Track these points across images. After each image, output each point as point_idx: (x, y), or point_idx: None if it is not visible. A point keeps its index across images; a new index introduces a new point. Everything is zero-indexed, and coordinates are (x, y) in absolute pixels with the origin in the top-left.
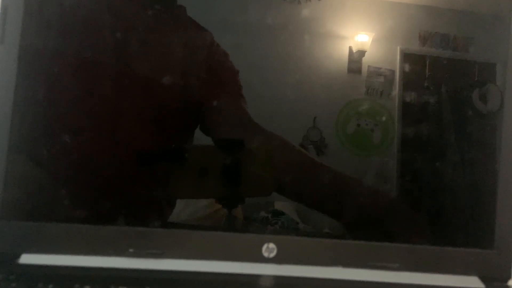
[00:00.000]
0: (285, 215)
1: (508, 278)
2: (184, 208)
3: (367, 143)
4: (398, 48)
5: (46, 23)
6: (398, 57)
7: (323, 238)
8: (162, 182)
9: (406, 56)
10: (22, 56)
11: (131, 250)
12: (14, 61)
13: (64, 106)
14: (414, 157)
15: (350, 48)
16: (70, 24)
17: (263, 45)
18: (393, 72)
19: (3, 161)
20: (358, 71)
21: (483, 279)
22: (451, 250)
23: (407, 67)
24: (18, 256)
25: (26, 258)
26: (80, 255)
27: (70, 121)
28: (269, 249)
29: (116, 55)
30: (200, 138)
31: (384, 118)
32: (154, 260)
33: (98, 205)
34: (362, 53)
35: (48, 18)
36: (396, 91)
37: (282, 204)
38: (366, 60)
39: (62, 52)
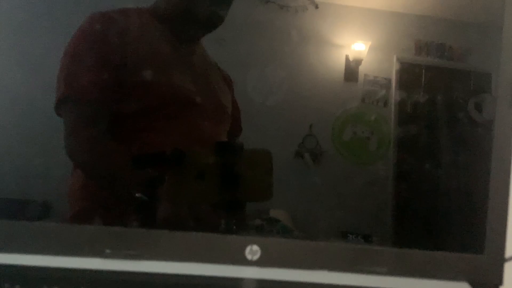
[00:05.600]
0: (280, 222)
1: (499, 284)
2: None
3: (363, 151)
4: (395, 57)
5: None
6: (394, 66)
7: (308, 241)
8: (159, 185)
9: (402, 65)
10: None
11: (107, 251)
12: None
13: None
14: (409, 164)
15: (347, 57)
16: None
17: (259, 53)
18: (389, 80)
19: None
20: (355, 79)
21: (473, 284)
22: (440, 254)
23: (403, 76)
24: None
25: None
26: (54, 255)
27: None
28: (253, 251)
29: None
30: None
31: (380, 126)
32: (132, 261)
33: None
34: (358, 61)
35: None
36: (392, 99)
37: (277, 211)
38: (363, 68)
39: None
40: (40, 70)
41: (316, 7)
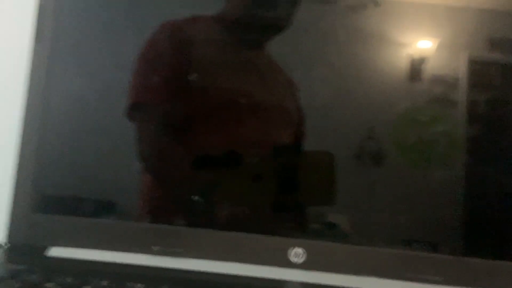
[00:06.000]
0: (338, 226)
1: None
2: None
3: (429, 155)
4: (464, 54)
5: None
6: (463, 65)
7: (356, 245)
8: (217, 187)
9: (473, 64)
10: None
11: (154, 248)
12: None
13: None
14: (480, 170)
15: (411, 56)
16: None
17: (319, 52)
18: (457, 80)
19: (33, 156)
20: (420, 79)
21: None
22: (502, 264)
23: (473, 75)
24: (46, 249)
25: (54, 251)
26: (105, 250)
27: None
28: (297, 253)
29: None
30: None
31: (447, 129)
32: (176, 259)
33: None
34: (423, 60)
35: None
36: (461, 100)
37: (335, 216)
38: (428, 67)
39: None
40: (111, 76)
41: (377, 4)
